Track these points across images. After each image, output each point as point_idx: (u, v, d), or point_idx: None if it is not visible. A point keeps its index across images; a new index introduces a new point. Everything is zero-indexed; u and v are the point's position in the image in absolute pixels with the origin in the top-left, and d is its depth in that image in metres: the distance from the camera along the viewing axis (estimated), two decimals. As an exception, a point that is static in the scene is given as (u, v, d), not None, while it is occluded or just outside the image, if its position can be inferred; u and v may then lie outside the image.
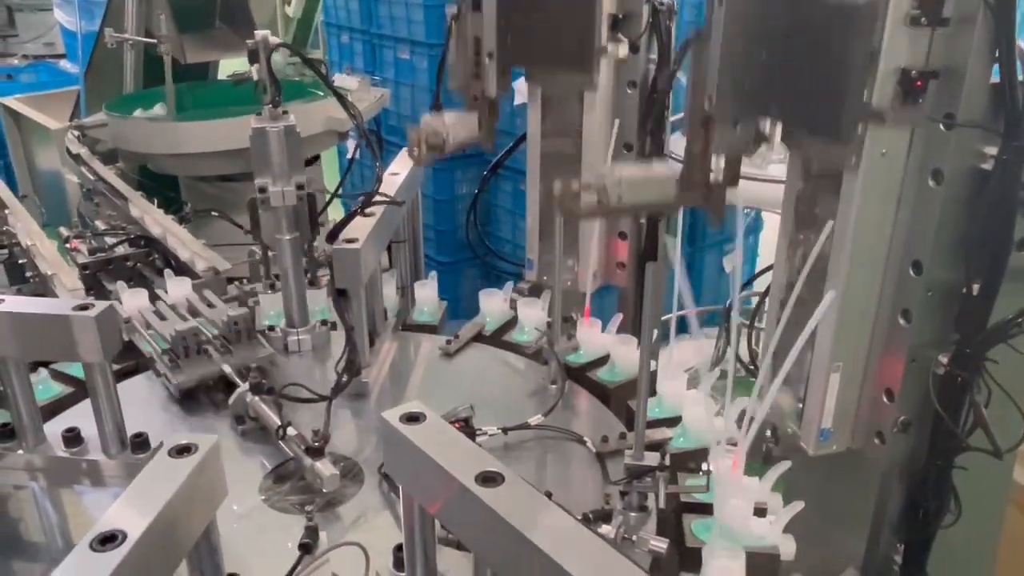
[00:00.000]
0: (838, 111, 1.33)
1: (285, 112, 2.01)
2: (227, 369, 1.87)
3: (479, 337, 2.20)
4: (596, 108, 2.11)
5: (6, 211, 2.84)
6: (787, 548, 1.44)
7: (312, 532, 1.24)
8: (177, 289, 2.20)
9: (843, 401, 1.51)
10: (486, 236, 4.64)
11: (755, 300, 3.10)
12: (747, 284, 3.71)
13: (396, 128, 5.09)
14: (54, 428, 1.70)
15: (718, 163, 1.50)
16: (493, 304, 2.24)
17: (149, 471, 1.09)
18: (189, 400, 1.90)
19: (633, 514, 1.53)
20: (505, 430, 1.74)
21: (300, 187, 2.02)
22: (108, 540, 0.96)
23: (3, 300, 1.56)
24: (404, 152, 2.51)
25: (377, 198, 2.00)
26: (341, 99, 2.03)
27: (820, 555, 1.66)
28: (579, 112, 2.14)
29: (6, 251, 2.82)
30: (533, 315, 2.15)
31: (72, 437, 1.66)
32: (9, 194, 2.93)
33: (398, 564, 1.32)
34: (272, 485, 1.63)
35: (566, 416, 1.85)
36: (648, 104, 2.08)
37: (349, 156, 4.98)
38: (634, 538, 1.36)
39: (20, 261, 2.73)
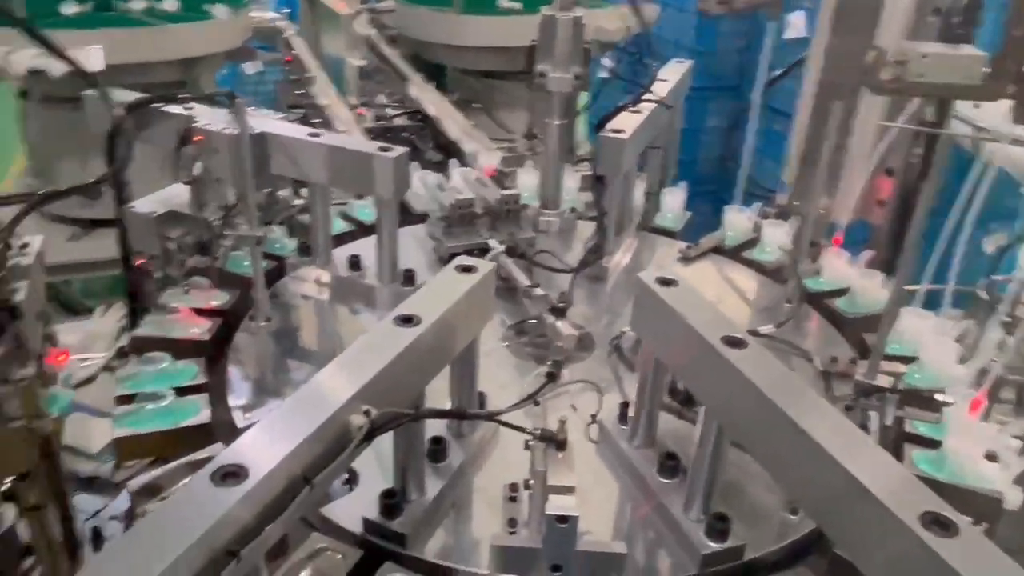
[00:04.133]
0: None
1: (576, 3, 2.12)
2: (492, 243, 2.00)
3: (718, 250, 2.24)
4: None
5: (306, 74, 3.20)
6: (1014, 497, 1.40)
7: (558, 365, 1.39)
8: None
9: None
10: (727, 174, 4.57)
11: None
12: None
13: (658, 54, 5.06)
14: (338, 255, 1.98)
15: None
16: (737, 220, 2.26)
17: (440, 279, 1.27)
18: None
19: (853, 432, 1.54)
20: (735, 333, 1.79)
21: (577, 77, 2.13)
22: (407, 320, 1.14)
23: (321, 133, 1.82)
24: (674, 61, 2.56)
25: (647, 97, 2.07)
26: (630, -4, 2.10)
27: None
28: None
29: (302, 111, 3.20)
30: (777, 235, 2.15)
31: (355, 262, 1.92)
32: (309, 57, 3.29)
33: (622, 418, 1.43)
34: (513, 336, 1.80)
35: (797, 334, 1.87)
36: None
37: (606, 74, 5.04)
38: (855, 446, 1.38)
39: (314, 121, 3.09)
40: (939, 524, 0.84)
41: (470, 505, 1.34)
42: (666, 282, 1.28)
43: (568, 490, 1.12)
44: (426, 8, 3.90)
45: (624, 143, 1.92)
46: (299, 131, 1.80)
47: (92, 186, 1.41)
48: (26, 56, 2.82)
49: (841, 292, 1.99)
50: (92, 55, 2.97)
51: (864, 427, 1.54)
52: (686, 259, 2.18)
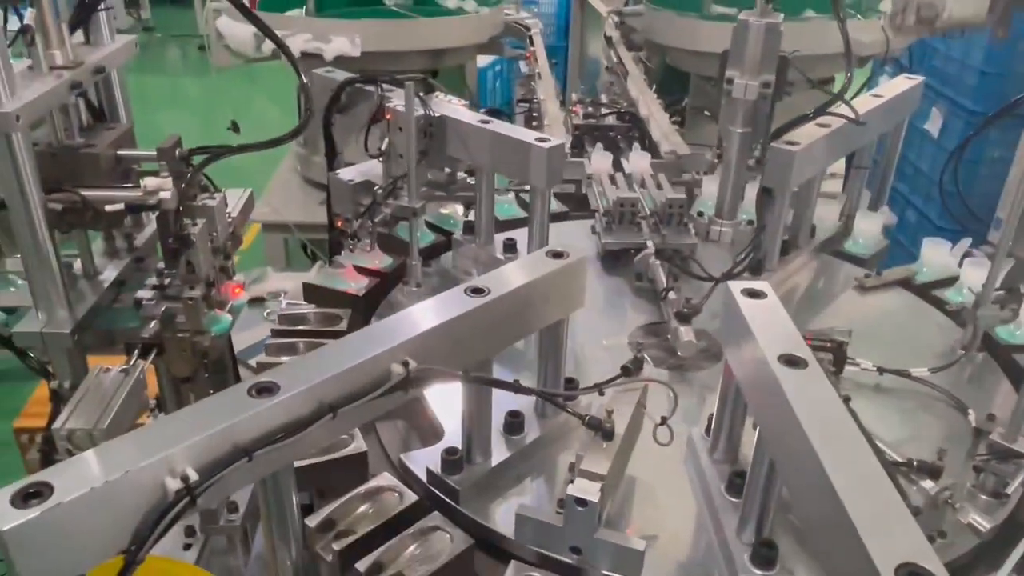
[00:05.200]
0: None
1: (777, 10, 2.05)
2: (650, 245, 1.99)
3: (906, 283, 2.05)
4: None
5: (536, 70, 3.36)
6: None
7: (637, 362, 1.38)
8: (637, 161, 2.44)
9: None
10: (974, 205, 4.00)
11: None
12: None
13: (936, 71, 4.59)
14: (500, 237, 2.09)
15: None
16: (935, 255, 2.05)
17: (526, 260, 1.33)
18: (609, 260, 2.10)
19: (984, 497, 1.36)
20: (881, 370, 1.65)
21: (766, 85, 2.06)
22: (477, 291, 1.22)
23: (491, 121, 1.94)
24: (901, 77, 2.37)
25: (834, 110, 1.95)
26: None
27: None
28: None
29: (527, 104, 3.37)
30: (976, 277, 1.92)
31: (510, 246, 2.03)
32: (543, 54, 3.45)
33: (708, 430, 1.40)
34: (641, 336, 1.80)
35: (961, 384, 1.67)
36: None
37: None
38: (957, 505, 1.24)
39: (533, 114, 3.24)
40: (918, 579, 0.76)
41: (536, 481, 1.39)
42: (752, 293, 1.24)
43: (598, 477, 1.14)
44: (670, 12, 3.90)
45: (794, 155, 1.83)
46: (472, 117, 1.93)
47: (268, 144, 1.64)
48: (299, 40, 3.27)
49: (1038, 350, 1.75)
50: (354, 43, 3.37)
51: (997, 494, 1.36)
52: (862, 288, 2.03)
